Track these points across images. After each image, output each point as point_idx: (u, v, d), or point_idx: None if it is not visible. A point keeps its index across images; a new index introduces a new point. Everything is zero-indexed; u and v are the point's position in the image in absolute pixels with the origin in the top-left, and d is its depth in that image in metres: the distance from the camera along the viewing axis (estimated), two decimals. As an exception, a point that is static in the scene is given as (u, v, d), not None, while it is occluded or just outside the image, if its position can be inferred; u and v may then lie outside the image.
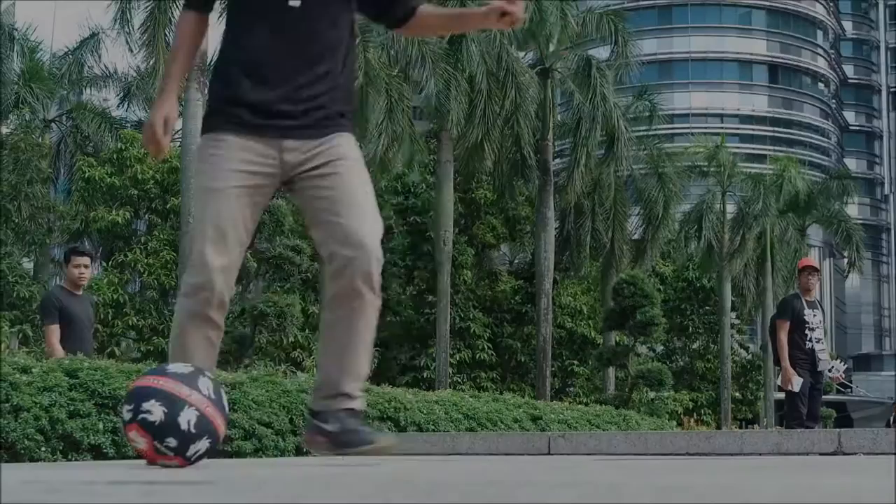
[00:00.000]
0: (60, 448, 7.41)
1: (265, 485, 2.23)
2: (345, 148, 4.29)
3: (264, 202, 4.36)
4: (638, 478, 2.60)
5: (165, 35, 29.48)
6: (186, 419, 3.81)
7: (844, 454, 7.21)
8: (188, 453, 3.81)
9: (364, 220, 4.19)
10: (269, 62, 4.27)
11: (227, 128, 4.27)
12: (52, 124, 41.20)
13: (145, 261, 36.61)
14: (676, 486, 2.14)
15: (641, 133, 42.07)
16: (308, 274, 36.29)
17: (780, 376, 12.65)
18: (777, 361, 12.79)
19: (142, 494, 1.81)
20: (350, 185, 4.24)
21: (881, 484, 2.32)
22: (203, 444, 3.87)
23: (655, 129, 43.55)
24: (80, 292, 10.33)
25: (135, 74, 39.56)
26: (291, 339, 33.45)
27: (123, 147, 37.59)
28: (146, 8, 29.40)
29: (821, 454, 7.22)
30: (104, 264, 36.94)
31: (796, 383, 12.37)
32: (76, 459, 7.33)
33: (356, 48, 4.56)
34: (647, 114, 41.80)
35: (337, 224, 4.18)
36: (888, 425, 31.18)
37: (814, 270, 13.04)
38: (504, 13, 4.18)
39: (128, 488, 2.08)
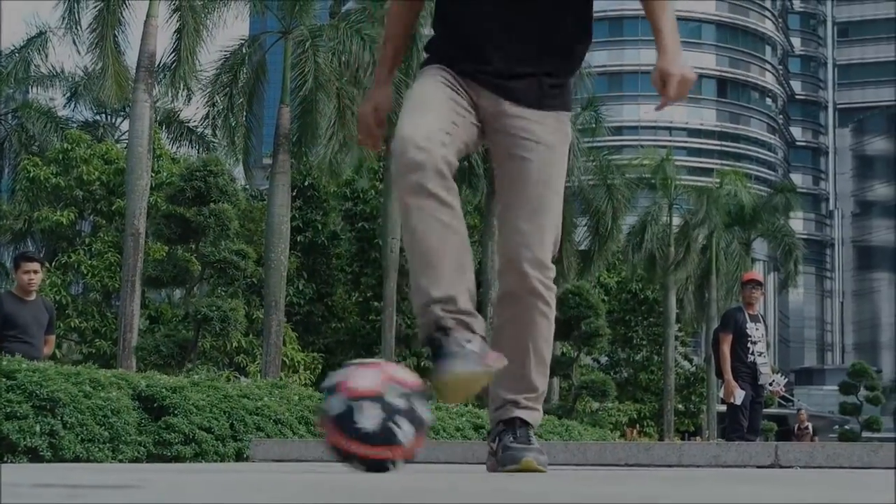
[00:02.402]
0: (-5, 450, 7.34)
1: (190, 489, 2.22)
2: (555, 131, 4.07)
3: (467, 137, 4.01)
4: (567, 487, 2.62)
5: (114, 35, 29.30)
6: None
7: (781, 467, 7.27)
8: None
9: (531, 218, 3.97)
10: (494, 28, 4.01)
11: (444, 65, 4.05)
12: (-3, 122, 40.85)
13: (89, 262, 36.36)
14: (603, 494, 2.16)
15: (589, 144, 42.27)
16: (253, 279, 36.17)
17: (722, 389, 12.75)
18: (719, 374, 12.89)
19: (65, 497, 1.80)
20: (532, 175, 4.01)
21: (789, 492, 2.35)
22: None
23: (605, 141, 43.79)
24: (31, 297, 10.27)
25: (82, 74, 39.28)
26: (235, 343, 33.36)
27: (69, 147, 37.31)
28: (95, 7, 29.20)
29: (758, 467, 7.27)
30: (47, 265, 36.64)
31: (738, 396, 12.46)
32: (12, 462, 7.26)
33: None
34: (593, 125, 42.05)
35: (505, 219, 4.05)
36: (793, 433, 31.51)
37: (757, 284, 13.16)
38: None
39: (52, 491, 2.07)
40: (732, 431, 12.61)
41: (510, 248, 3.98)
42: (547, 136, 4.03)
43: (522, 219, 3.98)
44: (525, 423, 4.04)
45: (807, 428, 30.53)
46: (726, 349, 12.65)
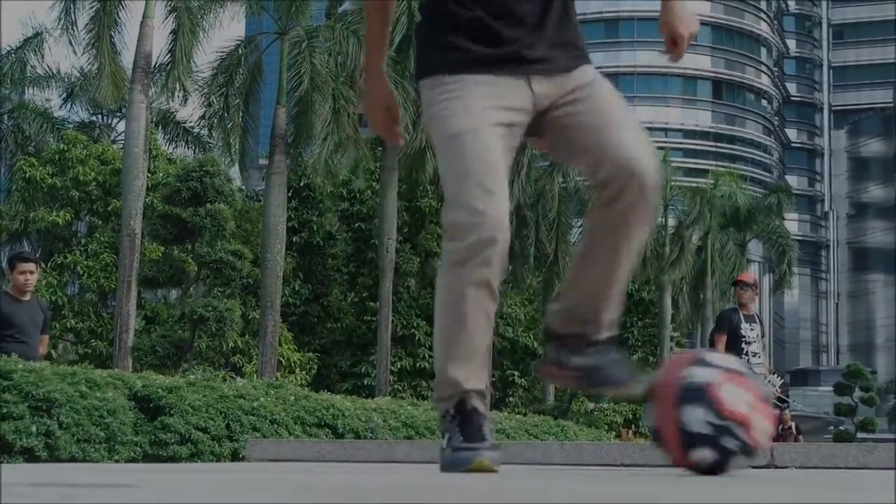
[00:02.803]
0: (-9, 450, 7.34)
1: (186, 489, 2.23)
2: (592, 74, 3.78)
3: (516, 145, 3.72)
4: (566, 486, 2.63)
5: (111, 36, 29.31)
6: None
7: (776, 467, 7.27)
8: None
9: (633, 136, 3.67)
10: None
11: (460, 68, 3.66)
12: (-7, 123, 40.83)
13: (85, 263, 36.33)
14: (603, 493, 2.17)
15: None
16: (249, 279, 36.16)
17: None
18: None
19: (62, 496, 1.81)
20: (610, 103, 3.75)
21: (785, 492, 2.35)
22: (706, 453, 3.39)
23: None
24: (26, 298, 10.28)
25: (78, 75, 39.27)
26: (231, 344, 33.32)
27: (65, 148, 37.29)
28: (91, 8, 29.20)
29: (753, 467, 7.26)
30: (43, 266, 36.60)
31: None
32: (8, 462, 7.25)
33: None
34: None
35: (604, 145, 3.63)
36: (778, 434, 31.55)
37: (746, 285, 13.20)
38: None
39: (49, 490, 2.08)
40: None
41: (617, 153, 3.61)
42: (596, 76, 3.81)
43: (618, 129, 3.68)
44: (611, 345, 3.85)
45: (790, 428, 30.42)
46: (720, 349, 12.67)
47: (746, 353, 12.73)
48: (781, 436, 29.73)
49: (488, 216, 3.45)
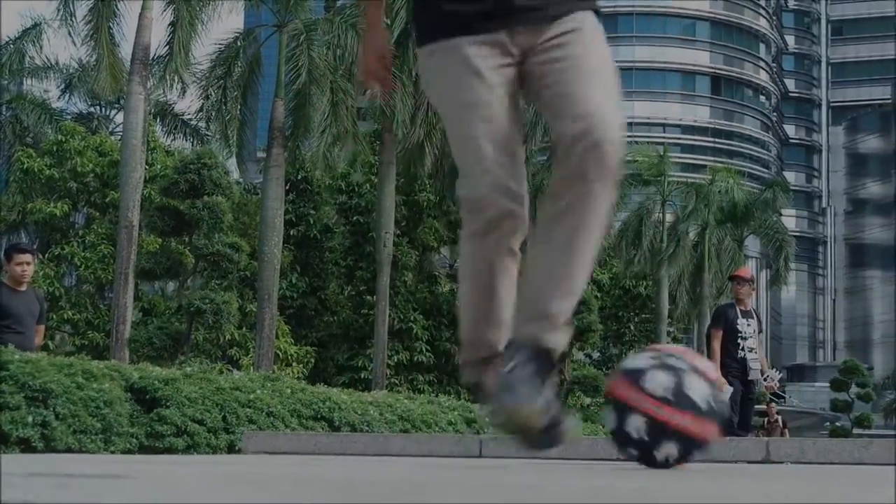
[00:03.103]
0: (-13, 441, 7.34)
1: (181, 480, 2.23)
2: (579, 22, 3.59)
3: (519, 96, 3.63)
4: (560, 480, 2.63)
5: (109, 27, 29.29)
6: (635, 427, 3.43)
7: (772, 463, 7.29)
8: (657, 460, 3.43)
9: (597, 90, 3.45)
10: None
11: (450, 31, 3.59)
12: (-9, 114, 40.80)
13: (82, 254, 36.33)
14: (596, 487, 2.17)
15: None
16: (246, 272, 36.15)
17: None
18: None
19: (55, 487, 1.81)
20: (589, 54, 3.54)
21: (780, 487, 2.36)
22: (671, 449, 3.42)
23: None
24: (23, 288, 10.28)
25: (76, 66, 39.25)
26: (228, 336, 33.33)
27: (63, 139, 37.27)
28: (90, -1, 29.19)
29: (749, 462, 7.29)
30: (40, 257, 36.60)
31: (727, 392, 12.50)
32: (4, 452, 7.25)
33: None
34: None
35: (565, 96, 3.46)
36: (762, 427, 31.49)
37: (743, 280, 13.23)
38: None
39: (44, 480, 2.08)
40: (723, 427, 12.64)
41: (580, 119, 3.41)
42: (588, 25, 3.61)
43: (588, 87, 3.47)
44: (545, 355, 3.36)
45: (776, 421, 30.38)
46: (717, 345, 12.70)
47: (743, 349, 12.75)
48: (767, 429, 29.71)
49: (503, 189, 3.47)
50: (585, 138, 3.35)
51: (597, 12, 3.71)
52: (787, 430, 30.43)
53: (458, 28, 3.57)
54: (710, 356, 12.81)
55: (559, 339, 3.35)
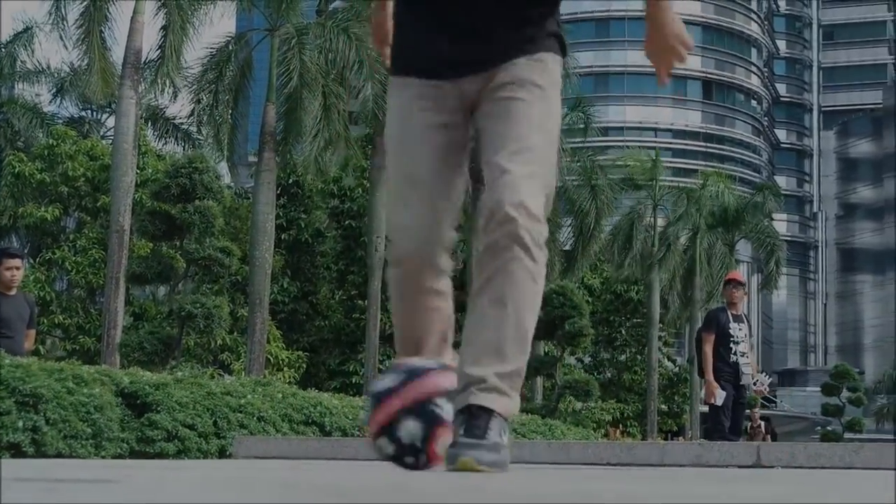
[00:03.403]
0: (-23, 446, 7.32)
1: (169, 485, 2.23)
2: (524, 72, 3.53)
3: (463, 141, 3.62)
4: (549, 483, 2.63)
5: (101, 31, 29.26)
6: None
7: (763, 467, 7.29)
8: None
9: (518, 160, 3.38)
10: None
11: (404, 69, 3.66)
12: (-18, 118, 40.72)
13: (73, 259, 36.27)
14: (582, 491, 2.17)
15: (576, 145, 42.37)
16: (237, 276, 36.13)
17: (703, 389, 12.78)
18: (702, 374, 12.93)
19: (43, 492, 1.81)
20: (516, 114, 3.47)
21: (769, 491, 2.36)
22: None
23: (590, 142, 43.88)
24: (12, 293, 10.26)
25: (68, 70, 39.21)
26: (219, 341, 33.30)
27: (54, 143, 37.22)
28: (81, 3, 29.15)
29: (739, 466, 7.30)
30: (31, 261, 36.53)
31: (719, 397, 12.51)
32: (-6, 457, 7.23)
33: None
34: (582, 125, 42.15)
35: (486, 163, 3.43)
36: (746, 433, 31.45)
37: (737, 284, 13.25)
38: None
39: (32, 485, 2.07)
40: (714, 431, 12.65)
41: (493, 191, 3.36)
42: (533, 77, 3.54)
43: (506, 159, 3.39)
44: (485, 411, 3.27)
45: (759, 426, 30.25)
46: (708, 350, 12.71)
47: (735, 353, 12.77)
48: (750, 434, 29.68)
49: (406, 229, 3.57)
50: (498, 214, 3.32)
51: (561, 45, 3.67)
52: (768, 437, 30.27)
53: (412, 67, 3.64)
54: (701, 360, 12.83)
55: (495, 402, 3.29)
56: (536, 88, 3.52)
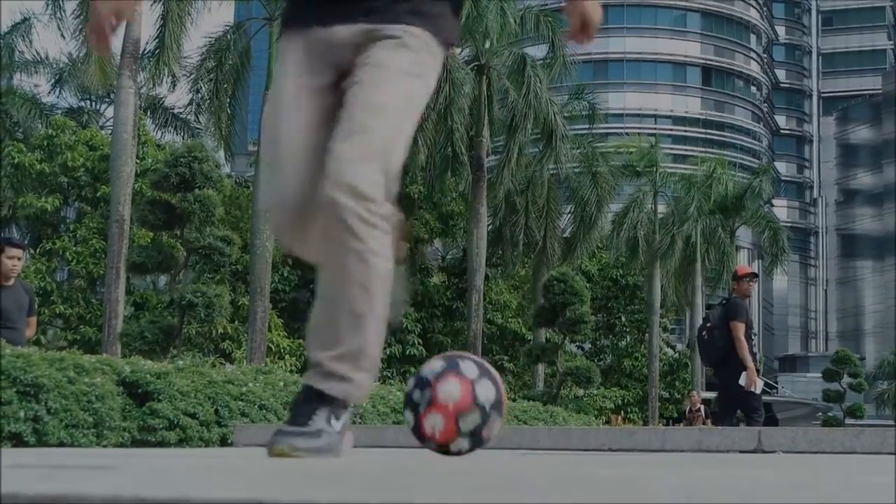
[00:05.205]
0: (-22, 435, 7.33)
1: (167, 473, 2.23)
2: (385, 49, 3.42)
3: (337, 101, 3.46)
4: (547, 469, 2.63)
5: (98, 21, 29.19)
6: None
7: (764, 452, 7.31)
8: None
9: (359, 140, 3.28)
10: None
11: (288, 24, 3.59)
12: (-19, 109, 40.70)
13: (74, 249, 36.27)
14: (580, 476, 2.17)
15: (577, 132, 42.35)
16: (238, 266, 36.12)
17: (744, 376, 12.80)
18: (717, 362, 12.95)
19: (40, 479, 1.81)
20: (376, 84, 3.36)
21: (779, 474, 2.36)
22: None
23: (589, 129, 43.83)
24: (10, 283, 10.25)
25: (66, 61, 39.18)
26: (220, 330, 33.32)
27: (54, 133, 37.20)
28: (79, -7, 29.14)
29: (741, 451, 7.31)
30: (32, 252, 36.55)
31: (759, 385, 12.72)
32: (-5, 447, 7.24)
33: None
34: (586, 113, 42.13)
35: (334, 138, 3.33)
36: (684, 416, 31.19)
37: (755, 276, 13.52)
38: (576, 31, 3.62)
39: (30, 472, 2.08)
40: (756, 415, 12.75)
41: (326, 176, 3.27)
42: (382, 55, 3.40)
43: (338, 140, 3.30)
44: (316, 395, 3.28)
45: (699, 410, 29.86)
46: (742, 337, 12.83)
47: (754, 343, 13.03)
48: (689, 419, 29.47)
49: (273, 188, 3.54)
50: (325, 197, 3.25)
51: (440, 22, 3.54)
52: (709, 421, 29.78)
53: (293, 18, 3.58)
54: (730, 348, 12.83)
55: (328, 386, 3.27)
56: (382, 68, 3.40)
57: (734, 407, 12.92)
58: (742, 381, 12.72)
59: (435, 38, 3.51)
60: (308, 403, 3.26)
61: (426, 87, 3.48)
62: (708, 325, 13.06)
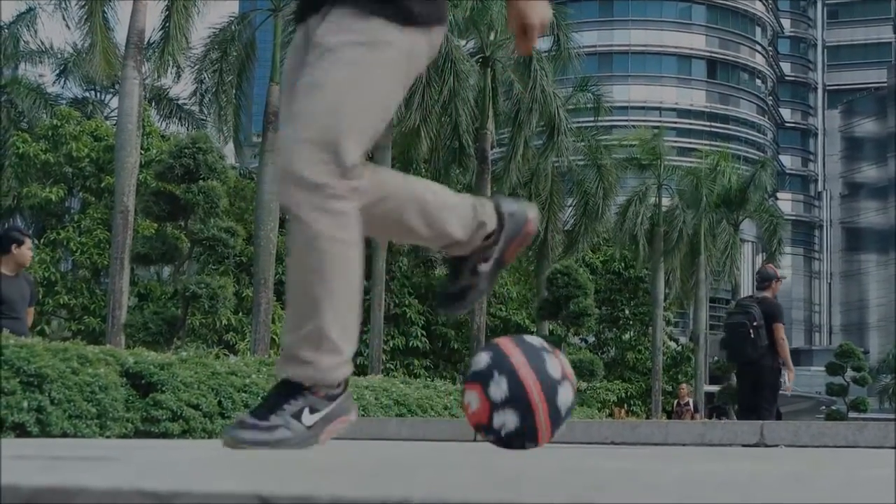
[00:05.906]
0: (-18, 425, 7.33)
1: (168, 465, 2.23)
2: (327, 30, 3.34)
3: None
4: (547, 462, 2.63)
5: (103, 11, 29.21)
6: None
7: (766, 446, 7.31)
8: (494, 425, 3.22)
9: (299, 115, 3.27)
10: None
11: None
12: (-14, 99, 40.73)
13: (78, 239, 36.30)
14: (582, 468, 2.17)
15: (583, 124, 42.31)
16: (242, 257, 36.15)
17: (786, 375, 12.83)
18: (754, 360, 12.88)
19: (41, 470, 1.81)
20: (318, 63, 3.30)
21: (781, 468, 2.36)
22: (511, 419, 3.20)
23: (594, 121, 43.78)
24: (15, 273, 10.27)
25: (71, 51, 39.16)
26: (224, 321, 33.32)
27: (59, 124, 37.21)
28: (84, -17, 29.12)
29: (743, 445, 7.32)
30: (36, 242, 36.57)
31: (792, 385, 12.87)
32: (-2, 437, 7.25)
33: None
34: (591, 105, 42.08)
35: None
36: (672, 410, 31.13)
37: (780, 278, 13.70)
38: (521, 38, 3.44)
39: (30, 463, 2.08)
40: (767, 412, 12.77)
41: (280, 141, 3.31)
42: (328, 38, 3.32)
43: (283, 127, 3.34)
44: (283, 387, 3.26)
45: (687, 404, 29.75)
46: (784, 337, 12.90)
47: None
48: (677, 413, 29.45)
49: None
50: (278, 187, 3.30)
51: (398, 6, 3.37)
52: (698, 415, 29.67)
53: (295, 12, 3.59)
54: (773, 349, 12.82)
55: (295, 372, 3.25)
56: (329, 51, 3.30)
57: (761, 401, 12.86)
58: (786, 381, 12.79)
59: (386, 7, 3.34)
60: (276, 394, 3.24)
61: (379, 52, 3.33)
62: (754, 323, 12.91)
